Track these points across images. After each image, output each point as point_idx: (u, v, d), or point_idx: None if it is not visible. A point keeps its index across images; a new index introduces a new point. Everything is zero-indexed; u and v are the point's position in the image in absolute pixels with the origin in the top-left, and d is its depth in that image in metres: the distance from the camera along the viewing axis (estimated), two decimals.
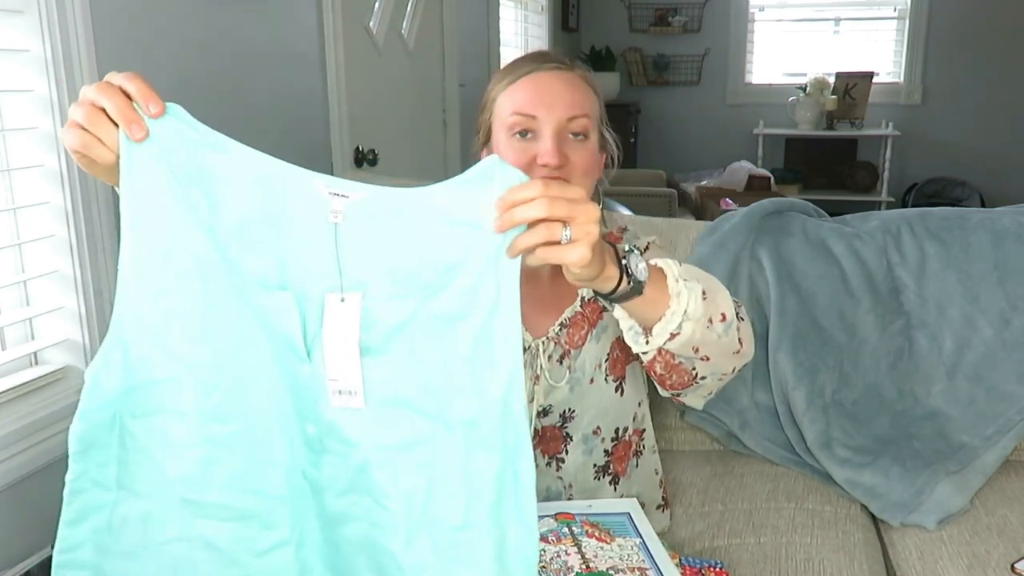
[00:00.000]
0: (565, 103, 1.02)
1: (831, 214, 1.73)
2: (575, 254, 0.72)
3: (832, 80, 4.92)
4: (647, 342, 0.91)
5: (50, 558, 0.69)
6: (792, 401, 1.52)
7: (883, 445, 1.49)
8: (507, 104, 1.04)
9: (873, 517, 1.45)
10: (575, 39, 5.29)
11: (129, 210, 0.72)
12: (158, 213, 0.72)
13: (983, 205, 4.79)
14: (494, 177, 0.71)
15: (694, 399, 1.06)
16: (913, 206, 4.66)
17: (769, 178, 4.36)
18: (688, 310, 0.88)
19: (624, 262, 0.83)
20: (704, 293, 0.90)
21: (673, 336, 0.89)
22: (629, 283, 0.83)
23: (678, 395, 1.04)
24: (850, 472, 1.45)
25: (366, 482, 0.75)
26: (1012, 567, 1.26)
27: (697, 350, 0.92)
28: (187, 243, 0.72)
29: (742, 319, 0.99)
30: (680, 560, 1.10)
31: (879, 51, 5.18)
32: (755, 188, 4.18)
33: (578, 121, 1.02)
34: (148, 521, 0.76)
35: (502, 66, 1.11)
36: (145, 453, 0.75)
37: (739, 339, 0.97)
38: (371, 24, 2.36)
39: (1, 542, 1.18)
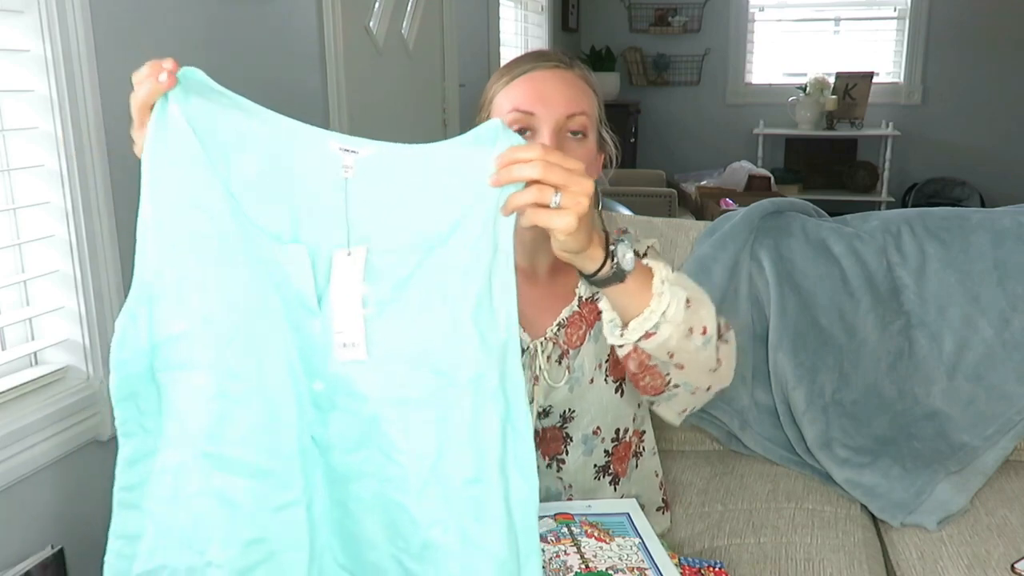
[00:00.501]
0: (564, 101, 1.02)
1: (831, 214, 1.73)
2: (562, 220, 0.75)
3: (832, 80, 4.92)
4: (621, 335, 0.93)
5: (50, 558, 0.70)
6: (792, 401, 1.52)
7: (883, 445, 1.49)
8: (505, 102, 1.04)
9: (873, 517, 1.45)
10: (575, 39, 5.29)
11: (148, 168, 0.74)
12: (176, 171, 0.73)
13: (983, 205, 4.79)
14: (497, 138, 0.74)
15: (668, 411, 1.07)
16: (913, 206, 4.66)
17: (769, 178, 4.36)
18: (668, 313, 0.90)
19: (612, 248, 0.86)
20: (688, 302, 0.91)
21: (649, 335, 0.91)
22: (612, 268, 0.85)
23: (652, 403, 1.06)
24: (850, 472, 1.45)
25: (377, 437, 0.77)
26: (1012, 567, 1.26)
27: (672, 356, 0.94)
28: (203, 199, 0.74)
29: (726, 341, 1.00)
30: (679, 560, 1.10)
31: (879, 51, 5.19)
32: (755, 188, 4.18)
33: (576, 119, 1.02)
34: (179, 472, 0.78)
35: (502, 66, 1.11)
36: (173, 405, 0.77)
37: (718, 358, 0.98)
38: (371, 24, 2.36)
39: (1, 542, 1.18)
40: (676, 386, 1.00)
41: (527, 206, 0.75)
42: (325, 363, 0.77)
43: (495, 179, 0.74)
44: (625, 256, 0.86)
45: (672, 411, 1.07)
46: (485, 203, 0.74)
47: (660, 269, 0.91)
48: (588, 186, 0.75)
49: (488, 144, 0.75)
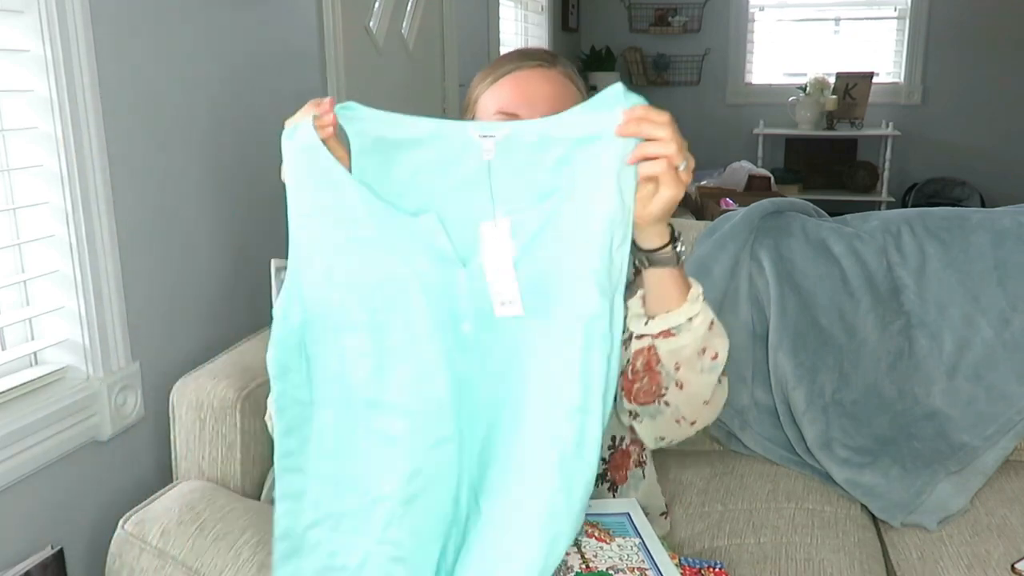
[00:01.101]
0: (547, 101, 1.02)
1: (831, 214, 1.73)
2: (678, 188, 0.82)
3: (832, 80, 4.92)
4: (646, 324, 0.95)
5: (50, 558, 0.70)
6: (792, 401, 1.52)
7: (883, 445, 1.49)
8: (490, 103, 1.04)
9: (873, 517, 1.45)
10: (575, 39, 5.29)
11: (292, 180, 0.86)
12: (324, 178, 0.86)
13: (983, 205, 4.79)
14: (620, 99, 0.82)
15: (647, 432, 1.06)
16: (913, 206, 4.66)
17: (769, 178, 4.36)
18: (694, 321, 0.93)
19: (677, 233, 0.92)
20: (711, 324, 0.95)
21: (669, 334, 0.93)
22: (673, 248, 0.91)
23: (635, 415, 1.04)
24: (850, 472, 1.45)
25: (514, 368, 0.85)
26: (1012, 567, 1.26)
27: (679, 369, 0.96)
28: (349, 195, 0.85)
29: (719, 383, 1.01)
30: (680, 560, 1.10)
31: (879, 51, 5.18)
32: (755, 188, 4.17)
33: None
34: (337, 426, 0.87)
35: (485, 67, 1.10)
36: (326, 370, 0.87)
37: (713, 391, 0.99)
38: (371, 24, 2.36)
39: (1, 542, 1.18)
40: (667, 404, 1.00)
41: (663, 159, 0.80)
42: (471, 307, 0.85)
43: (622, 128, 0.80)
44: (682, 249, 0.92)
45: (650, 433, 1.06)
46: (609, 155, 0.81)
47: (696, 285, 0.96)
48: (694, 163, 0.84)
49: (613, 104, 0.82)
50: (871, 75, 4.91)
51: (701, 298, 0.95)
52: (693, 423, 1.03)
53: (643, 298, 0.97)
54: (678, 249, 0.92)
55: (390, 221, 0.86)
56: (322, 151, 0.85)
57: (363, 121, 0.86)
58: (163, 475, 1.43)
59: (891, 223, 1.65)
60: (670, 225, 0.91)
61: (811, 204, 1.73)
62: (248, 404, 1.31)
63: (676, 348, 0.94)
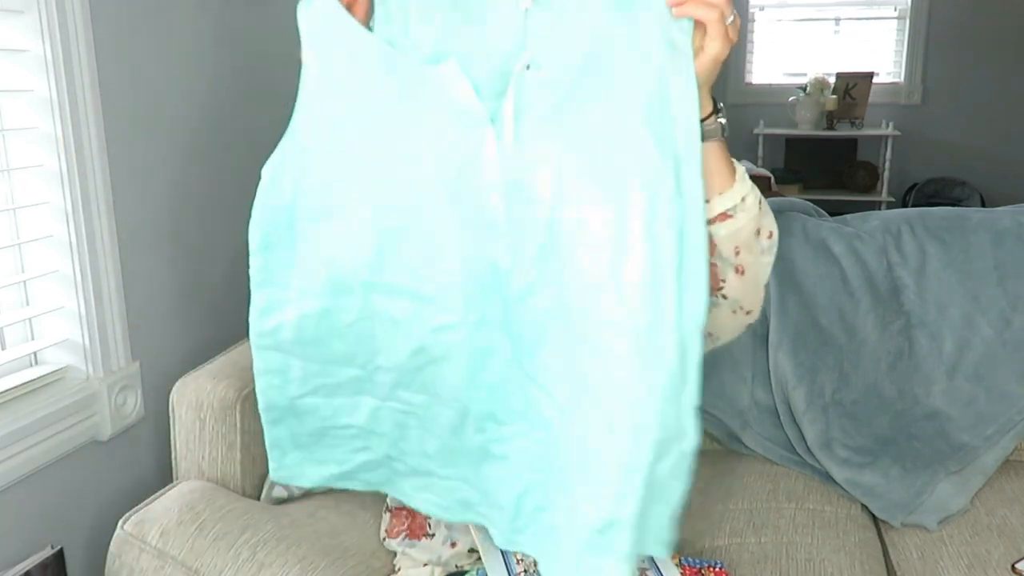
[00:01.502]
0: None
1: (831, 214, 1.73)
2: (725, 44, 0.79)
3: (832, 80, 4.91)
4: None
5: (50, 558, 0.70)
6: (792, 401, 1.52)
7: (883, 445, 1.49)
8: None
9: (873, 517, 1.45)
10: None
11: (309, 47, 0.82)
12: (345, 30, 0.81)
13: (983, 205, 4.79)
14: None
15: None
16: (913, 206, 4.65)
17: (769, 178, 4.35)
18: (747, 200, 0.89)
19: (720, 104, 0.88)
20: (760, 202, 0.92)
21: (726, 217, 0.89)
22: (718, 117, 0.86)
23: None
24: (850, 472, 1.45)
25: (555, 245, 0.77)
26: (1012, 567, 1.26)
27: (738, 252, 0.92)
28: (370, 58, 0.80)
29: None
30: (680, 560, 1.10)
31: (879, 51, 5.18)
32: None
33: None
34: (327, 315, 0.83)
35: None
36: (318, 254, 0.82)
37: (768, 274, 0.96)
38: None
39: (1, 542, 1.18)
40: (724, 297, 0.96)
41: (715, 6, 0.77)
42: (499, 175, 0.77)
43: None
44: (725, 120, 0.88)
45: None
46: (653, 7, 0.75)
47: (739, 166, 0.92)
48: (740, 23, 0.82)
49: None
50: (871, 75, 4.90)
51: (746, 176, 0.91)
52: (749, 312, 0.99)
53: None
54: (721, 120, 0.87)
55: (411, 77, 0.79)
56: (343, 15, 0.80)
57: None
58: (163, 475, 1.43)
59: (891, 223, 1.65)
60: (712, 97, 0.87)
61: (811, 204, 1.73)
62: (248, 404, 1.31)
63: (734, 231, 0.90)
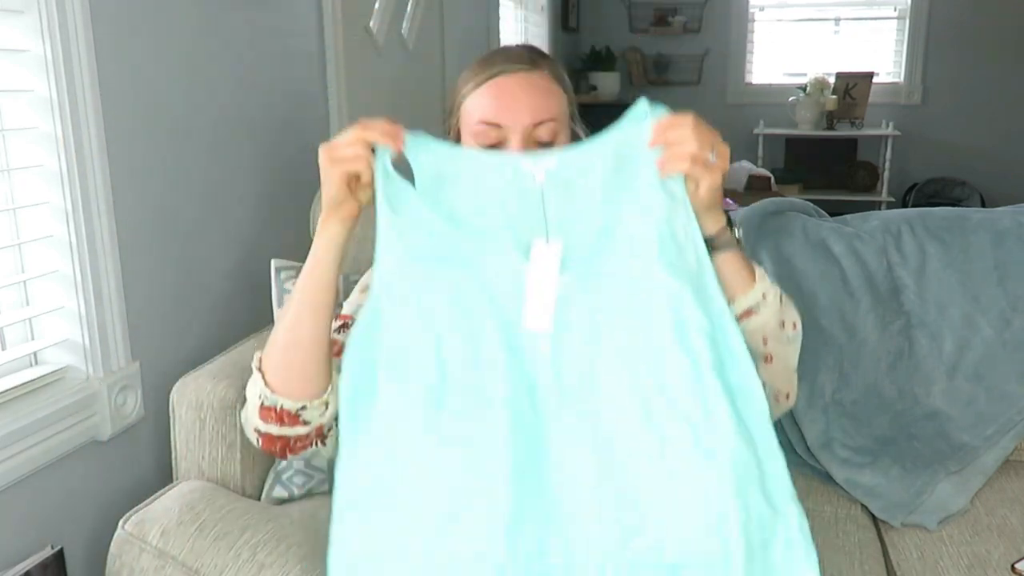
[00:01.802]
0: (529, 110, 1.01)
1: (831, 214, 1.73)
2: (712, 176, 0.88)
3: (832, 80, 4.91)
4: None
5: (50, 558, 0.69)
6: None
7: (883, 445, 1.49)
8: (473, 111, 1.03)
9: (873, 517, 1.45)
10: (575, 39, 5.29)
11: (383, 214, 0.89)
12: (407, 210, 0.90)
13: (983, 205, 4.79)
14: (646, 114, 0.90)
15: None
16: (913, 206, 4.66)
17: (769, 178, 4.36)
18: (768, 296, 0.98)
19: (730, 219, 0.97)
20: (781, 297, 1.00)
21: (750, 313, 0.97)
22: (731, 231, 0.96)
23: None
24: (850, 472, 1.45)
25: (592, 375, 0.87)
26: (1012, 567, 1.26)
27: (766, 343, 0.99)
28: (429, 226, 0.90)
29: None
30: None
31: (879, 51, 5.18)
32: (755, 188, 4.17)
33: (544, 127, 1.01)
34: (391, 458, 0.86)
35: (470, 66, 1.09)
36: (383, 407, 0.87)
37: (795, 360, 1.04)
38: (371, 24, 2.36)
39: (1, 542, 1.18)
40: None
41: (687, 157, 0.86)
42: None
43: (653, 140, 0.88)
44: (739, 230, 0.98)
45: None
46: (648, 169, 0.88)
47: (758, 265, 1.00)
48: (728, 150, 0.89)
49: (640, 120, 0.90)
50: (871, 75, 4.90)
51: (768, 276, 0.99)
52: (787, 395, 1.07)
53: None
54: (736, 233, 0.97)
55: (468, 243, 0.89)
56: (397, 178, 0.90)
57: (429, 153, 0.92)
58: (163, 475, 1.43)
59: (891, 223, 1.65)
60: (725, 212, 0.96)
61: (811, 204, 1.73)
62: None
63: (760, 325, 0.97)
